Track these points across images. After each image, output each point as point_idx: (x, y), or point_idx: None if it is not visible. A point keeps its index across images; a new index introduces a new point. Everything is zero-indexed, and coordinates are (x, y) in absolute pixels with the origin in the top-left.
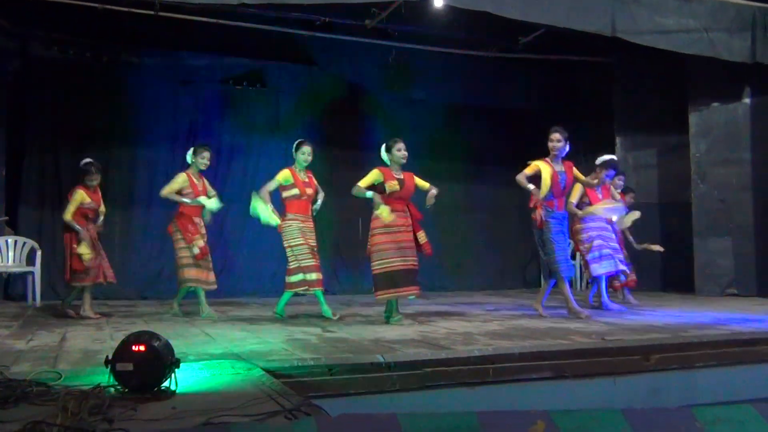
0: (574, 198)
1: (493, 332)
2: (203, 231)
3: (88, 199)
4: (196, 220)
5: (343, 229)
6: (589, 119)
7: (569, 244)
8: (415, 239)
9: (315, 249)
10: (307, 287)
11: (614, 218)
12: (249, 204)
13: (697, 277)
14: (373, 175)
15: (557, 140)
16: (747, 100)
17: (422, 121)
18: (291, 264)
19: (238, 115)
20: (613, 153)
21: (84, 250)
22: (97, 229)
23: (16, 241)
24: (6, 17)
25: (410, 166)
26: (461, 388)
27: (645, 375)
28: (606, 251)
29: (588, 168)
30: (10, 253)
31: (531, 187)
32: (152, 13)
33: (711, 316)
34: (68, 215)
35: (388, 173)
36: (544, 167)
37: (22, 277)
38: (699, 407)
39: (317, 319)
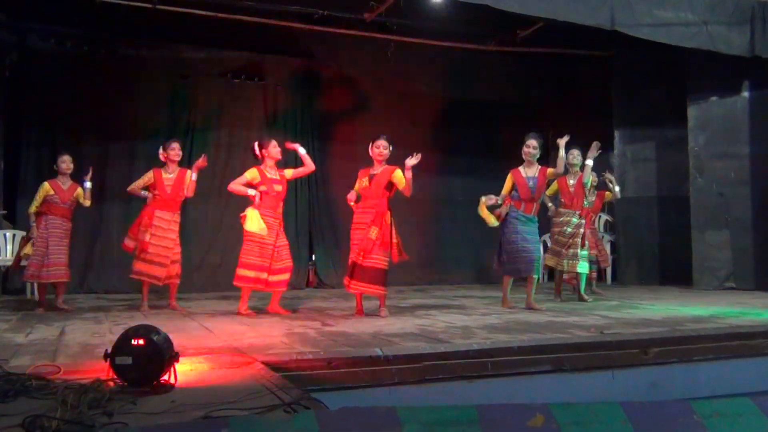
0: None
1: (491, 326)
2: (162, 225)
3: (52, 192)
4: (158, 213)
5: (340, 224)
6: (588, 113)
7: (535, 244)
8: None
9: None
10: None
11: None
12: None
13: (695, 271)
14: (358, 180)
15: (534, 147)
16: (746, 94)
17: (420, 114)
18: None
19: (236, 109)
20: (611, 146)
21: (27, 250)
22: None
23: (14, 235)
24: (4, 10)
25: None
26: (460, 381)
27: (643, 368)
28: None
29: None
30: (8, 247)
31: (499, 201)
32: (150, 6)
33: (709, 310)
34: (31, 208)
35: (363, 172)
36: (510, 177)
37: (20, 270)
38: (697, 400)
39: (316, 313)
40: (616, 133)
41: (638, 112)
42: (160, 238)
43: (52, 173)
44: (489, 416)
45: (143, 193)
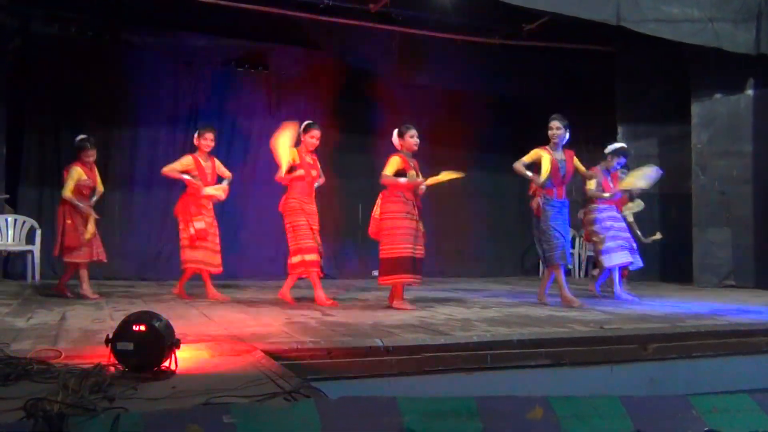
0: (594, 185)
1: (491, 319)
2: (206, 213)
3: (84, 176)
4: (202, 201)
5: (343, 213)
6: (591, 108)
7: (570, 232)
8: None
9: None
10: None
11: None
12: (249, 186)
13: (695, 268)
14: (395, 163)
15: (557, 128)
16: (750, 92)
17: (423, 106)
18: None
19: (239, 98)
20: (614, 143)
21: (90, 227)
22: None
23: (15, 220)
24: None
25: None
26: (459, 373)
27: (642, 364)
28: (620, 242)
29: (590, 158)
30: (10, 232)
31: (529, 174)
32: None
33: (709, 307)
34: (68, 192)
35: (405, 161)
36: (544, 155)
37: (22, 255)
38: (696, 396)
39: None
40: (619, 129)
41: (642, 109)
42: (210, 225)
43: (56, 157)
44: (488, 408)
45: (185, 176)
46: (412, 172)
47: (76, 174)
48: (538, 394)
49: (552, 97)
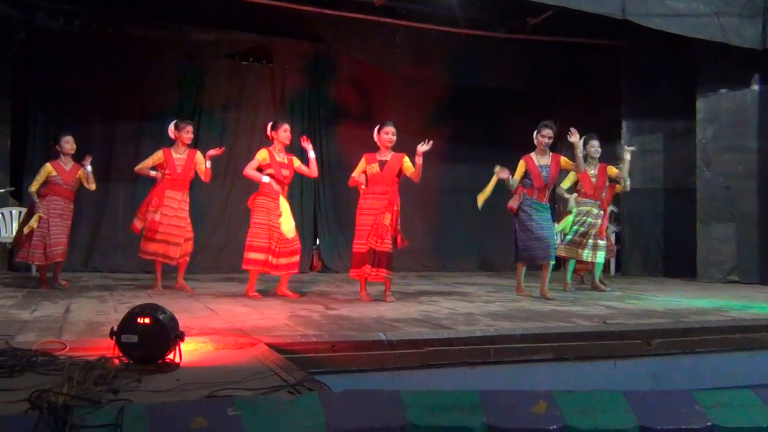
0: (566, 184)
1: (494, 313)
2: (173, 205)
3: (54, 173)
4: (168, 193)
5: (345, 208)
6: (597, 102)
7: (550, 231)
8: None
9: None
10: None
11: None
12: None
13: (699, 263)
14: (360, 164)
15: (549, 137)
16: (755, 87)
17: (427, 100)
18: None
19: (243, 91)
20: (619, 137)
21: (33, 223)
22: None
23: (20, 212)
24: None
25: (413, 145)
26: (462, 367)
27: (646, 359)
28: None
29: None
30: (14, 224)
31: (512, 184)
32: None
33: (712, 302)
34: (31, 187)
35: (370, 157)
36: (523, 164)
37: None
38: (699, 391)
39: (319, 296)
40: (624, 124)
41: (647, 103)
42: (172, 217)
43: (54, 154)
44: (492, 402)
45: (152, 172)
46: (373, 165)
47: (44, 171)
48: (541, 388)
49: (557, 91)
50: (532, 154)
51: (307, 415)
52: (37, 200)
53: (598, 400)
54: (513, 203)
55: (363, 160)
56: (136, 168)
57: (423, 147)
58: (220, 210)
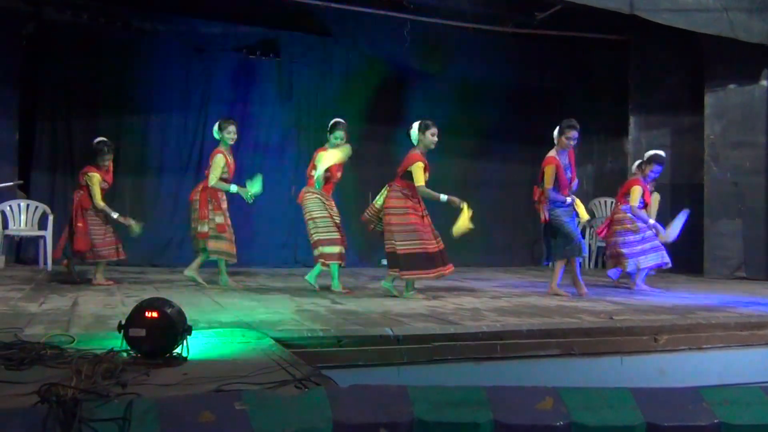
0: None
1: (501, 309)
2: (224, 206)
3: (102, 180)
4: (219, 195)
5: (352, 203)
6: (604, 98)
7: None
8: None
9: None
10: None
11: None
12: (260, 174)
13: (706, 259)
14: (421, 169)
15: (574, 138)
16: (764, 83)
17: (435, 95)
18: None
19: (250, 85)
20: (626, 132)
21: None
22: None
23: (28, 205)
24: None
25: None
26: (469, 363)
27: (652, 355)
28: (655, 243)
29: (600, 148)
30: (23, 217)
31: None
32: None
33: (719, 299)
34: (100, 201)
35: (425, 161)
36: (553, 169)
37: (34, 240)
38: (706, 388)
39: (326, 291)
40: (632, 119)
41: (654, 99)
42: (227, 218)
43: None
44: (498, 398)
45: (232, 188)
46: (426, 174)
47: (97, 180)
48: (547, 384)
49: (564, 86)
50: (556, 155)
51: (313, 409)
52: (114, 214)
53: (605, 396)
54: (546, 213)
55: (422, 165)
56: (213, 185)
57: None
58: (228, 203)
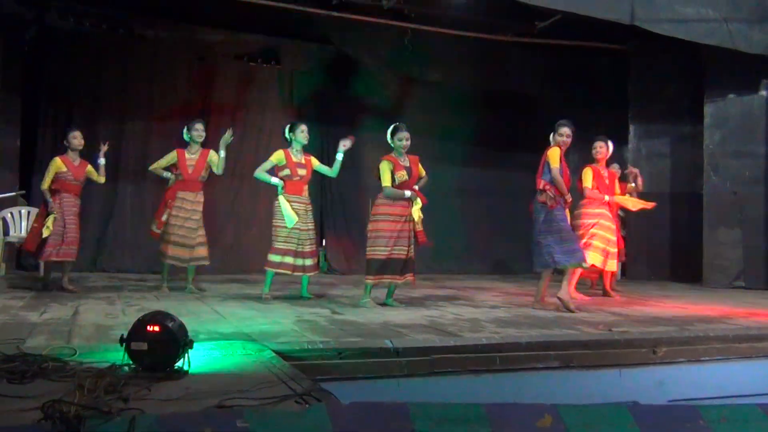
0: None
1: (500, 319)
2: (186, 206)
3: (64, 168)
4: (180, 194)
5: (351, 209)
6: (604, 107)
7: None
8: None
9: (303, 232)
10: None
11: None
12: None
13: (705, 268)
14: (388, 168)
15: (566, 135)
16: (763, 93)
17: (436, 103)
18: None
19: (251, 92)
20: (626, 141)
21: (49, 224)
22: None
23: (29, 212)
24: None
25: (423, 147)
26: (468, 375)
27: (651, 367)
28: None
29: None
30: (23, 224)
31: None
32: None
33: (718, 309)
34: (44, 184)
35: (396, 163)
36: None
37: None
38: (704, 405)
39: (325, 300)
40: (632, 128)
41: (654, 108)
42: (184, 219)
43: (62, 149)
44: (498, 415)
45: (165, 174)
46: (402, 173)
47: (53, 166)
48: (546, 396)
49: (565, 94)
50: (562, 154)
51: (314, 427)
52: (50, 199)
53: (603, 414)
54: (547, 199)
55: (390, 165)
56: (151, 167)
57: (345, 143)
58: (227, 210)
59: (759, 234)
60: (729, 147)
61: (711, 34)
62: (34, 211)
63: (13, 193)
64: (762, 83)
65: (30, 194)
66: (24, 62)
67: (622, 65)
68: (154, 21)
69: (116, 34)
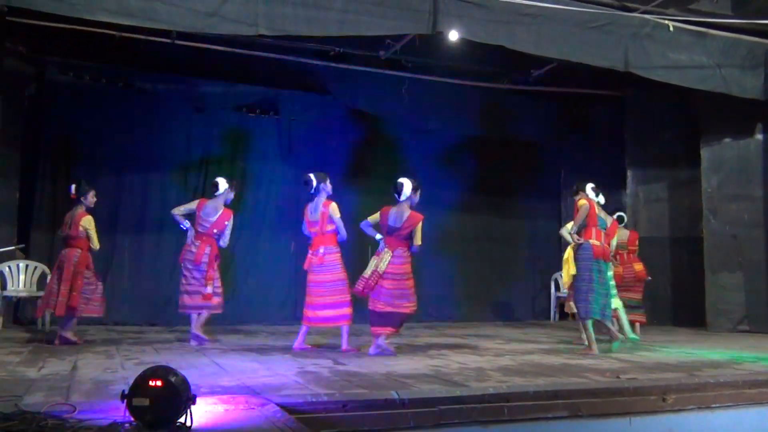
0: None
1: (506, 368)
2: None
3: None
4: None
5: (354, 258)
6: (601, 153)
7: None
8: None
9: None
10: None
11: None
12: (259, 232)
13: (708, 313)
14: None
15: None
16: (759, 137)
17: (434, 151)
18: None
19: (251, 143)
20: (624, 186)
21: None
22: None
23: (27, 266)
24: (24, 43)
25: (422, 195)
26: (475, 426)
27: (661, 415)
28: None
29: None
30: (21, 277)
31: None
32: (169, 41)
33: (725, 354)
34: (97, 244)
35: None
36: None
37: (32, 301)
38: None
39: (327, 350)
40: (629, 173)
41: (651, 153)
42: (192, 270)
43: (75, 203)
44: None
45: (188, 223)
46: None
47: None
48: None
49: (561, 140)
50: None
51: None
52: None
53: None
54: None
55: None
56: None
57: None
58: (227, 261)
59: (761, 277)
60: (727, 190)
61: (705, 79)
62: (33, 264)
63: (12, 247)
64: (757, 127)
65: (28, 248)
66: (24, 116)
67: (618, 111)
68: (153, 74)
69: (115, 88)
